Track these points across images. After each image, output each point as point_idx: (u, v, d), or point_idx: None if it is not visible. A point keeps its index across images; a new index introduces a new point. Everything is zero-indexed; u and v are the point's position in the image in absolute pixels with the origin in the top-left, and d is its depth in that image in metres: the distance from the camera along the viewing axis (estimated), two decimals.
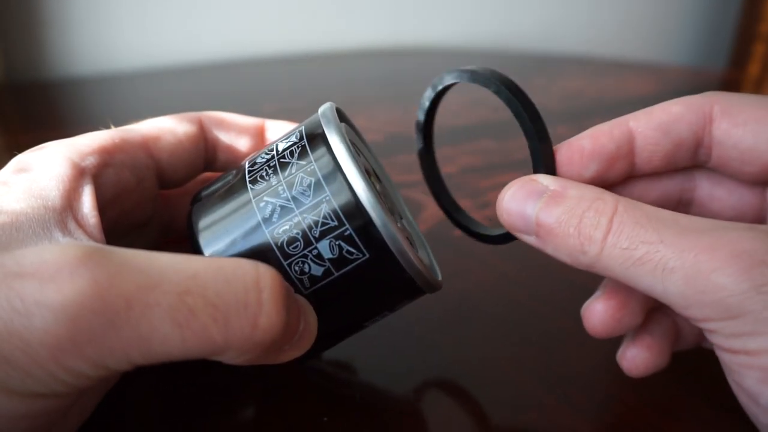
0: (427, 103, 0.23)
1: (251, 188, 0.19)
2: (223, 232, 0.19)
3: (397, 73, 0.77)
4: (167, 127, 0.22)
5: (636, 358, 0.21)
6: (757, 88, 0.76)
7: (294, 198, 0.18)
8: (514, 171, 0.45)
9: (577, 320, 0.27)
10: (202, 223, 0.20)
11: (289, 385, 0.23)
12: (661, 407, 0.22)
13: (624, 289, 0.20)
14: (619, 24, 1.11)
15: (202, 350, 0.15)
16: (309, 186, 0.18)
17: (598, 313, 0.20)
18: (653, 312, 0.22)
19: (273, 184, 0.19)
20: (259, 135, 0.25)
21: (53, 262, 0.14)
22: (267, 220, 0.18)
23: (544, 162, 0.20)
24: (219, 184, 0.21)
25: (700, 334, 0.23)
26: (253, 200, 0.19)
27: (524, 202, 0.19)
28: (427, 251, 0.23)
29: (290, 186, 0.19)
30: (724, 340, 0.16)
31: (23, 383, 0.14)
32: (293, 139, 0.20)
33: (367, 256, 0.18)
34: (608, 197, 0.18)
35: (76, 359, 0.14)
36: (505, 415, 0.22)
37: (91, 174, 0.19)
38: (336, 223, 0.18)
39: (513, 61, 0.84)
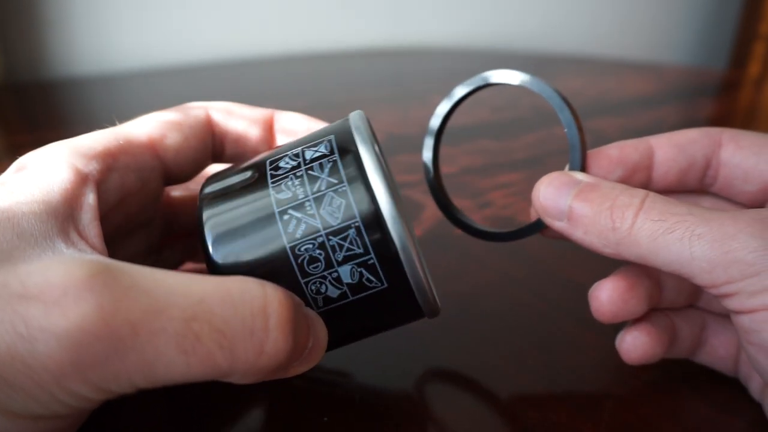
0: (446, 108, 0.24)
1: (275, 197, 0.18)
2: (238, 240, 0.18)
3: (397, 73, 0.77)
4: (173, 124, 0.22)
5: (636, 340, 0.22)
6: (757, 88, 0.76)
7: (321, 216, 0.18)
8: (514, 171, 0.45)
9: (578, 319, 0.27)
10: (215, 223, 0.19)
11: (289, 385, 0.23)
12: (661, 407, 0.22)
13: (634, 275, 0.22)
14: (619, 24, 1.11)
15: (206, 375, 0.15)
16: (338, 207, 0.18)
17: (607, 290, 0.22)
18: (654, 311, 0.23)
19: (300, 197, 0.18)
20: (268, 126, 0.24)
21: (58, 284, 0.14)
22: (289, 236, 0.18)
23: (579, 164, 0.22)
24: (234, 181, 0.20)
25: (695, 343, 0.23)
26: (276, 211, 0.18)
27: (559, 189, 0.21)
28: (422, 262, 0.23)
29: (318, 203, 0.18)
30: (745, 300, 0.18)
31: (26, 406, 0.14)
32: (322, 149, 0.19)
33: (386, 286, 0.18)
34: (638, 188, 0.20)
35: (79, 384, 0.14)
36: (505, 414, 0.22)
37: (95, 180, 0.18)
38: (362, 251, 0.17)
39: (513, 61, 0.84)
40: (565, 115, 0.22)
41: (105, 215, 0.19)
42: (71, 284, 0.14)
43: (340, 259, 0.18)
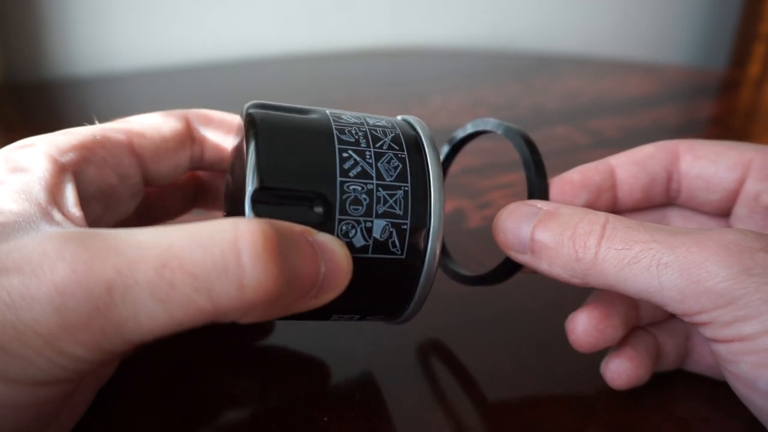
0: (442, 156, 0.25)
1: (338, 136, 0.19)
2: (292, 159, 0.18)
3: (397, 73, 0.77)
4: (152, 125, 0.22)
5: (619, 367, 0.22)
6: (757, 88, 0.76)
7: (377, 168, 0.19)
8: (514, 171, 0.45)
9: None
10: (270, 133, 0.18)
11: (289, 385, 0.23)
12: (660, 407, 0.22)
13: (607, 301, 0.22)
14: (619, 24, 1.11)
15: (194, 320, 0.15)
16: (396, 168, 0.19)
17: (581, 323, 0.21)
18: (635, 330, 0.23)
19: (361, 145, 0.19)
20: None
21: (34, 256, 0.14)
22: (343, 172, 0.18)
23: (539, 192, 0.22)
24: (294, 110, 0.20)
25: (682, 354, 0.23)
26: (337, 147, 0.19)
27: (519, 222, 0.20)
28: None
29: (378, 157, 0.19)
30: (719, 330, 0.17)
31: (25, 372, 0.14)
32: (383, 122, 0.20)
33: (403, 257, 0.19)
34: (598, 212, 0.19)
35: (72, 345, 0.14)
36: (505, 414, 0.22)
37: (72, 170, 0.19)
38: (401, 212, 0.18)
39: (512, 60, 0.84)
40: (515, 139, 0.22)
41: (83, 205, 0.19)
42: (44, 254, 0.14)
43: (380, 212, 0.18)
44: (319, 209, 0.18)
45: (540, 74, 0.76)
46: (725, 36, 1.21)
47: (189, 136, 0.23)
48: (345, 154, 0.18)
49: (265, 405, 0.22)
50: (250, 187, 0.17)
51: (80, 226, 0.17)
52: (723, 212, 0.23)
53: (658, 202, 0.24)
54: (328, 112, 0.20)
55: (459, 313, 0.27)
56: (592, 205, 0.23)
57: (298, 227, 0.17)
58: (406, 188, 0.19)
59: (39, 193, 0.17)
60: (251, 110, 0.19)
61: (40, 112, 0.57)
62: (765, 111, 0.67)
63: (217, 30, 0.77)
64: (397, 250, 0.19)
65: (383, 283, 0.19)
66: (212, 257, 0.15)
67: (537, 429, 0.21)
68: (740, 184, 0.22)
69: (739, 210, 0.22)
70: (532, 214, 0.20)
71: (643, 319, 0.23)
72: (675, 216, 0.24)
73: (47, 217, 0.17)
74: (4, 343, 0.14)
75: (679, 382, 0.24)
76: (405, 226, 0.19)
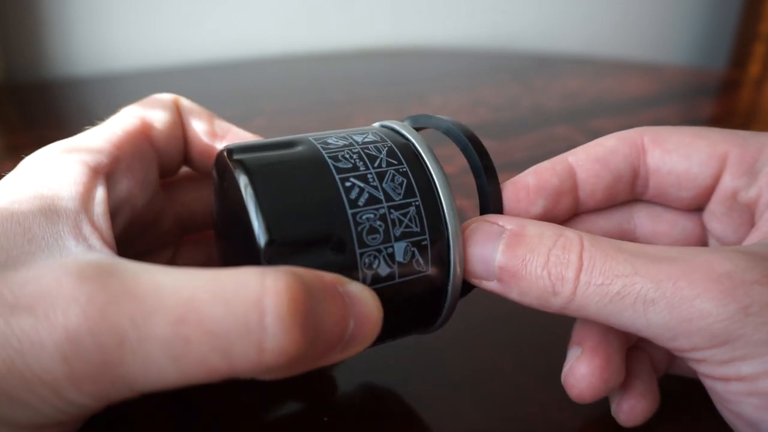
0: None
1: (334, 165, 0.18)
2: (296, 203, 0.17)
3: (397, 73, 0.77)
4: (157, 114, 0.22)
5: (635, 409, 0.20)
6: (757, 88, 0.76)
7: (383, 189, 0.18)
8: (514, 171, 0.45)
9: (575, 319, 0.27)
10: (267, 180, 0.17)
11: (289, 385, 0.23)
12: (660, 407, 0.22)
13: (604, 345, 0.20)
14: (619, 24, 1.11)
15: (207, 378, 0.14)
16: (401, 184, 0.18)
17: (584, 377, 0.19)
18: (629, 353, 0.21)
19: (360, 168, 0.18)
20: (212, 127, 0.23)
21: (49, 294, 0.14)
22: (351, 202, 0.17)
23: (492, 201, 0.20)
24: (276, 145, 0.19)
25: (669, 360, 0.22)
26: (336, 176, 0.17)
27: (483, 246, 0.18)
28: None
29: (380, 177, 0.18)
30: (715, 368, 0.16)
31: (28, 417, 0.14)
32: (371, 137, 0.19)
33: (428, 272, 0.18)
34: (569, 233, 0.17)
35: (77, 395, 0.14)
36: (506, 413, 0.22)
37: (105, 173, 0.18)
38: (418, 229, 0.18)
39: (512, 60, 0.84)
40: (459, 140, 0.21)
41: (117, 209, 0.19)
42: (60, 294, 0.14)
43: (398, 235, 0.18)
44: (337, 249, 0.17)
45: (540, 74, 0.76)
46: (725, 36, 1.21)
47: (182, 123, 0.23)
48: (348, 183, 0.17)
49: (265, 405, 0.22)
50: (261, 243, 0.16)
51: (107, 239, 0.17)
52: (695, 208, 0.21)
53: (623, 199, 0.22)
54: (311, 138, 0.19)
55: (459, 313, 0.27)
56: (550, 212, 0.21)
57: (328, 277, 0.16)
58: (417, 203, 0.18)
59: (69, 202, 0.17)
60: (237, 156, 0.18)
61: (40, 112, 0.57)
62: (765, 111, 0.67)
63: (217, 30, 0.77)
64: (422, 267, 0.18)
65: (414, 302, 0.19)
66: (234, 315, 0.14)
67: (537, 429, 0.21)
68: (716, 179, 0.20)
69: (715, 207, 0.21)
70: (496, 236, 0.18)
71: (631, 339, 0.22)
72: (643, 215, 0.22)
73: (75, 231, 0.16)
74: (12, 390, 0.13)
75: (676, 381, 0.23)
76: (425, 242, 0.18)
